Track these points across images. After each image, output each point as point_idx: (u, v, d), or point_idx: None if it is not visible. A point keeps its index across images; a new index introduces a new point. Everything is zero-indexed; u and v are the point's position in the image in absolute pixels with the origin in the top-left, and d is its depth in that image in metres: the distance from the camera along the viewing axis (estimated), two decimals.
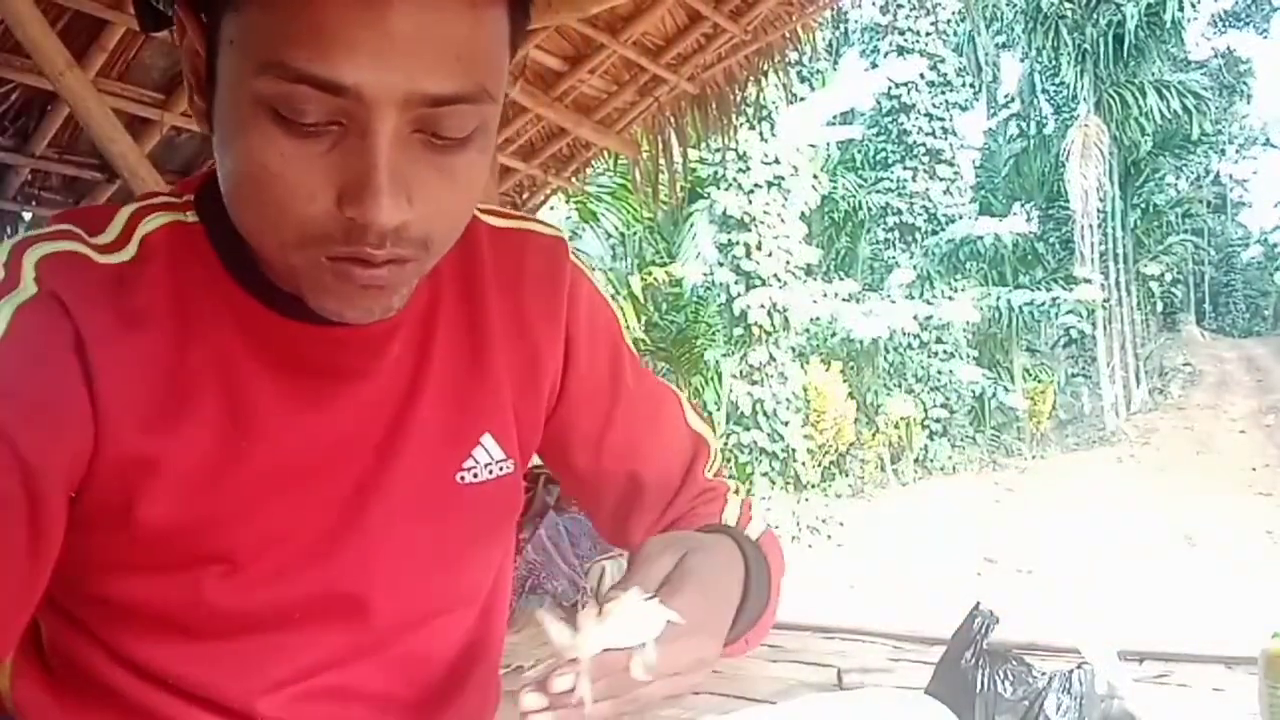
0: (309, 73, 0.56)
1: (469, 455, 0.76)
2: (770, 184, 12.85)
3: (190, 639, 0.70)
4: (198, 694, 0.70)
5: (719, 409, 12.39)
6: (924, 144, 19.42)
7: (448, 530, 0.76)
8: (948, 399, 17.60)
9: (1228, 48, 33.10)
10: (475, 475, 0.76)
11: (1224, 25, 36.14)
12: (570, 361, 0.81)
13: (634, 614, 0.56)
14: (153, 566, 0.68)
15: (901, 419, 16.11)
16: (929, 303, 17.25)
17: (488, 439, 0.77)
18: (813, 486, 13.58)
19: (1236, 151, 35.85)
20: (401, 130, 0.58)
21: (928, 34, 19.69)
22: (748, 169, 12.69)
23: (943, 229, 18.94)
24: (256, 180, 0.60)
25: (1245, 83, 32.75)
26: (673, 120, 3.78)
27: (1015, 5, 22.01)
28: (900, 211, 19.16)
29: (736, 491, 0.87)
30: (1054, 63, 21.68)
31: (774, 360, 12.97)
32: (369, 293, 0.63)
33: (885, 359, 16.78)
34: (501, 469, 0.78)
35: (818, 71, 16.44)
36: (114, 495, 0.66)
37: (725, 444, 12.61)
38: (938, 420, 17.38)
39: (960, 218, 19.23)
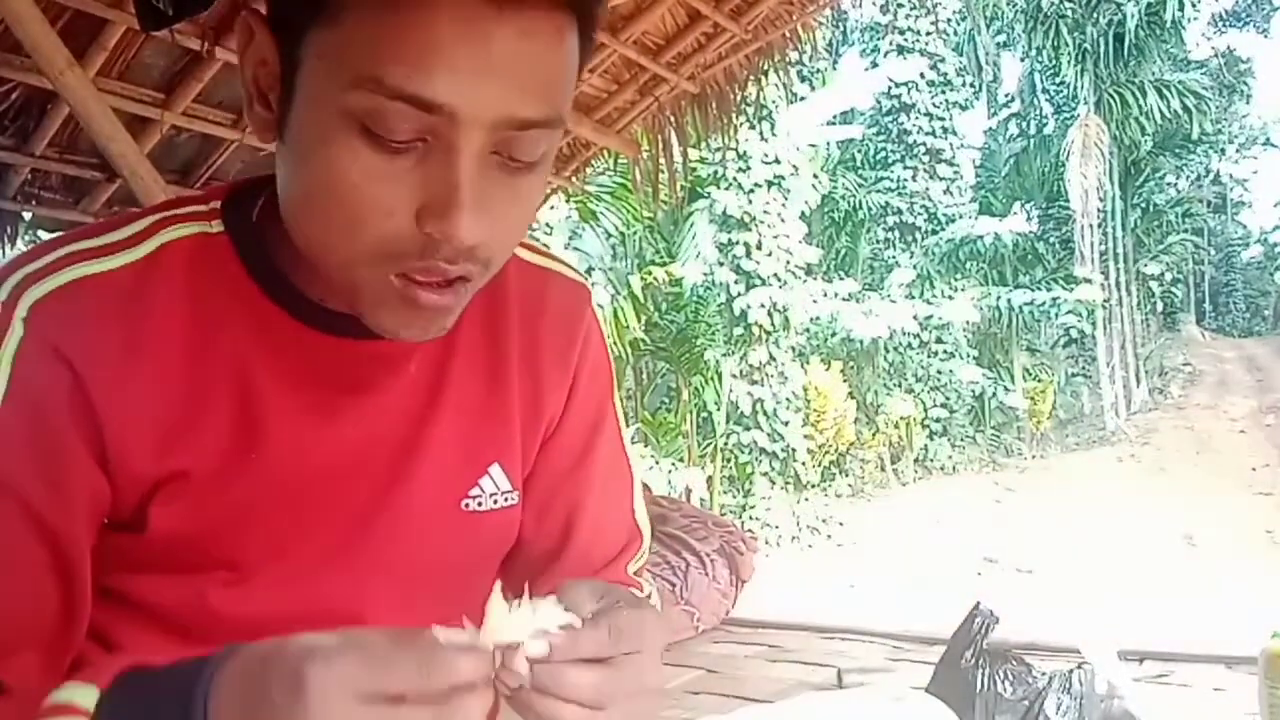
0: (407, 90, 0.57)
1: (476, 484, 0.76)
2: (770, 184, 12.85)
3: (192, 642, 0.69)
4: None
5: (719, 409, 12.39)
6: (924, 144, 19.43)
7: (448, 556, 0.76)
8: (948, 399, 17.61)
9: (1228, 48, 33.10)
10: (480, 504, 0.76)
11: (1224, 25, 36.14)
12: (566, 410, 0.82)
13: (539, 610, 0.56)
14: (160, 568, 0.69)
15: (901, 419, 16.11)
16: (929, 303, 17.25)
17: (496, 469, 0.77)
18: (813, 486, 13.58)
19: (1236, 151, 35.83)
20: (484, 151, 0.60)
21: (928, 33, 19.70)
22: (748, 169, 12.69)
23: (943, 229, 18.95)
24: (334, 193, 0.60)
25: (1245, 83, 32.74)
26: (673, 120, 3.78)
27: (1015, 5, 22.00)
28: (900, 211, 19.17)
29: (649, 597, 0.87)
30: (1054, 62, 21.68)
31: (774, 360, 12.97)
32: (428, 314, 0.64)
33: (885, 359, 16.79)
34: (507, 500, 0.78)
35: (818, 71, 16.43)
36: (130, 507, 0.67)
37: (725, 444, 12.61)
38: (938, 420, 17.39)
39: (960, 217, 19.23)
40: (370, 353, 0.71)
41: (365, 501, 0.72)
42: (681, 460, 11.57)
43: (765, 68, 3.73)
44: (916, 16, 19.77)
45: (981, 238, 18.07)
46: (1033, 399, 18.81)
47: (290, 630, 0.70)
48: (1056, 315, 19.12)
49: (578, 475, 0.83)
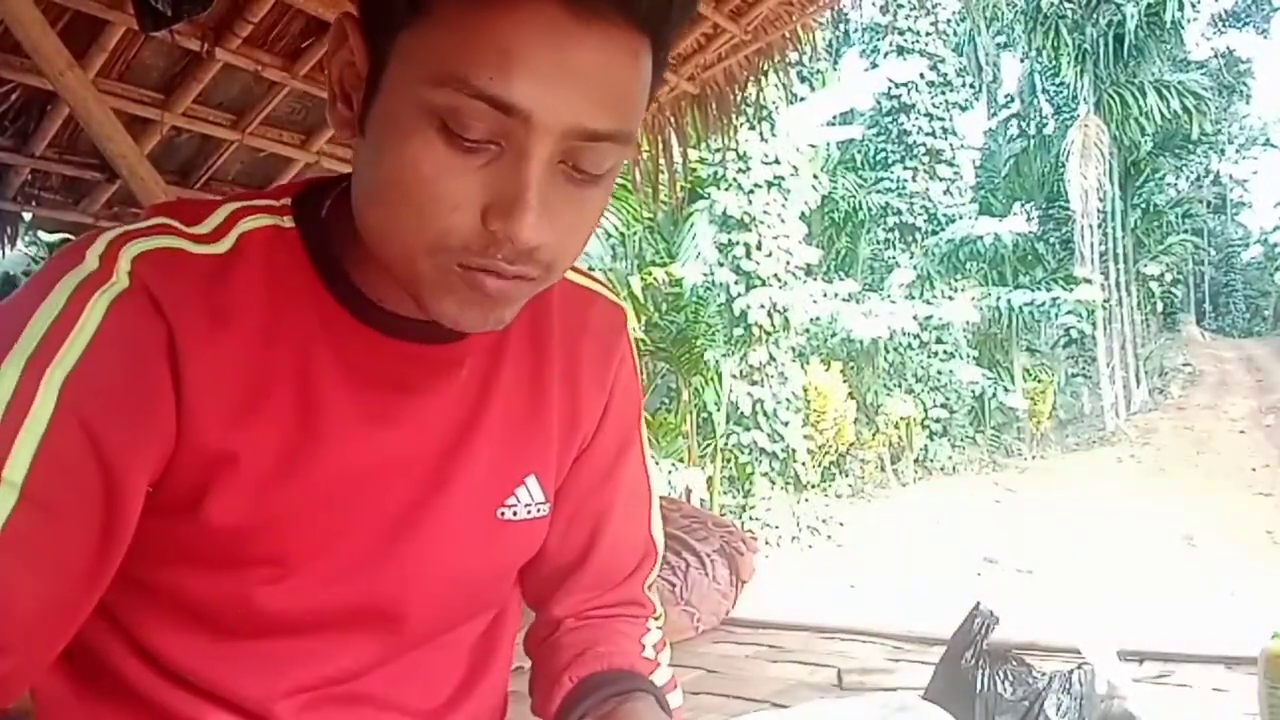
0: (488, 91, 0.59)
1: (513, 493, 0.78)
2: (770, 184, 12.85)
3: (221, 636, 0.71)
4: (215, 692, 0.71)
5: (719, 409, 12.39)
6: (924, 144, 19.44)
7: (481, 562, 0.78)
8: (948, 399, 17.61)
9: (1228, 48, 33.12)
10: (515, 514, 0.78)
11: (1224, 25, 36.15)
12: (599, 428, 0.84)
13: None
14: (206, 560, 0.69)
15: (901, 419, 16.11)
16: (929, 303, 17.25)
17: (532, 480, 0.79)
18: (813, 486, 13.58)
19: (1236, 151, 35.85)
20: (553, 158, 0.62)
21: (928, 34, 19.71)
22: (748, 169, 12.69)
23: (943, 229, 18.95)
24: (405, 184, 0.62)
25: (1245, 83, 32.76)
26: (673, 120, 3.78)
27: (1015, 5, 22.00)
28: (900, 211, 19.17)
29: (658, 617, 0.90)
30: (1054, 63, 21.68)
31: (774, 360, 12.97)
32: (490, 301, 0.65)
33: (885, 359, 16.79)
34: (540, 510, 0.80)
35: (818, 71, 16.44)
36: (189, 488, 0.67)
37: (725, 444, 12.60)
38: (938, 420, 17.39)
39: (960, 218, 19.24)
40: (424, 356, 0.73)
41: (407, 503, 0.74)
42: (681, 460, 11.56)
43: (765, 68, 3.73)
44: (916, 17, 19.78)
45: (981, 238, 18.07)
46: (1033, 399, 18.82)
47: (326, 625, 0.72)
48: (1056, 315, 19.12)
49: (603, 493, 0.86)
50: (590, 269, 0.90)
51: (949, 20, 20.62)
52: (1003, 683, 1.94)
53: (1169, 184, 26.16)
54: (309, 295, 0.71)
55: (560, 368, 0.81)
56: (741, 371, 12.89)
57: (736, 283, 12.82)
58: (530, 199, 0.61)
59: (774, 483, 12.99)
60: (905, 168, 19.52)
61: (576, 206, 0.65)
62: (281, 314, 0.69)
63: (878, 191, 19.00)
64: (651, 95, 0.67)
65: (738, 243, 12.82)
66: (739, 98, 3.80)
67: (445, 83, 0.60)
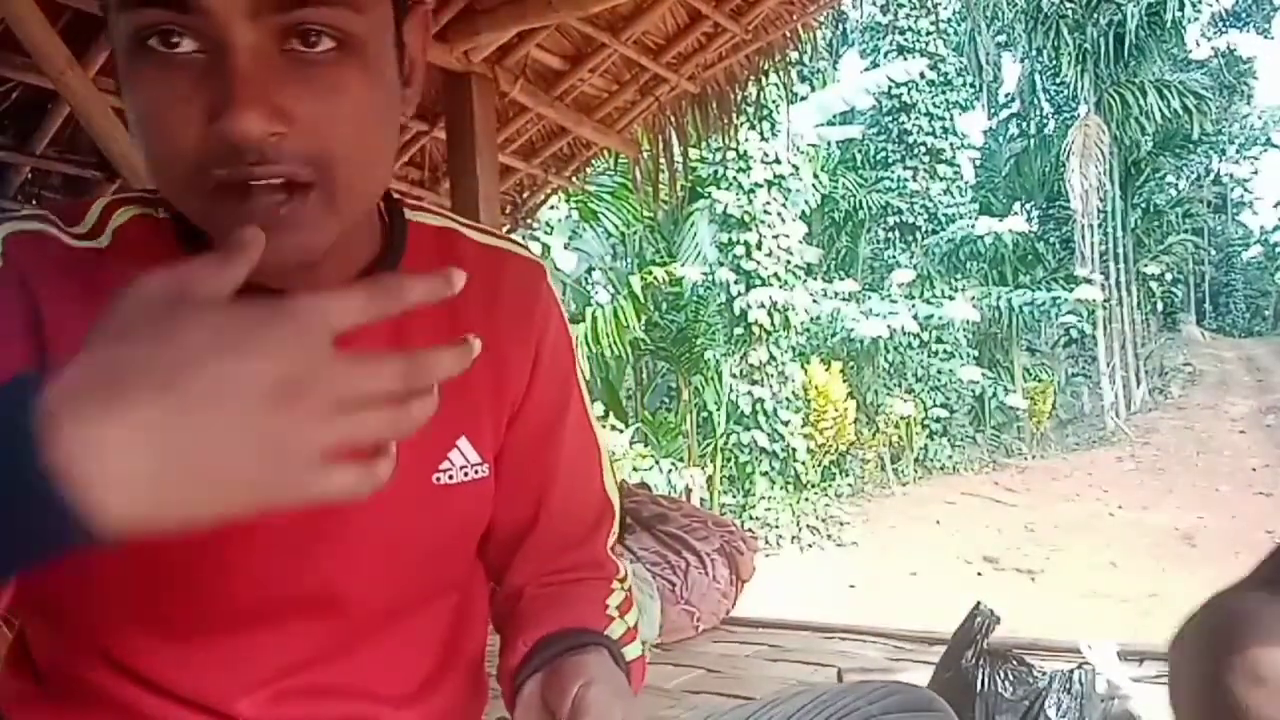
0: None
1: (445, 457, 0.76)
2: (770, 184, 12.84)
3: (173, 638, 0.70)
4: (179, 694, 0.70)
5: (719, 408, 12.39)
6: (924, 144, 19.41)
7: (424, 528, 0.76)
8: (948, 399, 17.60)
9: (1228, 48, 33.11)
10: (451, 477, 0.77)
11: (1224, 25, 36.12)
12: (529, 389, 0.82)
13: None
14: (131, 559, 0.66)
15: (901, 419, 16.10)
16: (929, 303, 17.24)
17: (464, 442, 0.77)
18: (813, 486, 13.56)
19: (1237, 151, 35.85)
20: (264, 45, 0.59)
21: (928, 34, 19.68)
22: (748, 169, 12.68)
23: (943, 229, 18.94)
24: (143, 123, 0.61)
25: (1245, 83, 32.75)
26: (673, 120, 3.78)
27: (1015, 5, 22.00)
28: (900, 211, 19.16)
29: (623, 579, 0.88)
30: (1054, 63, 21.69)
31: (774, 360, 12.96)
32: (274, 224, 0.60)
33: (885, 359, 16.77)
34: (477, 472, 0.78)
35: (818, 71, 16.46)
36: None
37: (725, 444, 12.60)
38: (938, 420, 17.38)
39: (960, 218, 19.22)
40: None
41: None
42: (681, 460, 11.56)
43: (765, 68, 3.73)
44: (916, 17, 19.76)
45: (981, 238, 18.06)
46: (1033, 399, 18.81)
47: (271, 615, 0.71)
48: (1056, 315, 19.10)
49: (546, 453, 0.83)
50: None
51: (949, 20, 20.63)
52: (1003, 683, 1.94)
53: (1169, 184, 26.15)
54: None
55: (478, 329, 0.76)
56: (741, 371, 12.89)
57: (736, 282, 12.82)
58: (236, 90, 0.58)
59: (774, 482, 12.99)
60: (905, 167, 19.50)
61: (320, 89, 0.61)
62: None
63: (878, 191, 18.98)
64: None
65: (738, 242, 12.82)
66: (739, 97, 3.80)
67: (125, 4, 0.59)
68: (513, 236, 0.86)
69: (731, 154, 12.40)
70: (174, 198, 0.64)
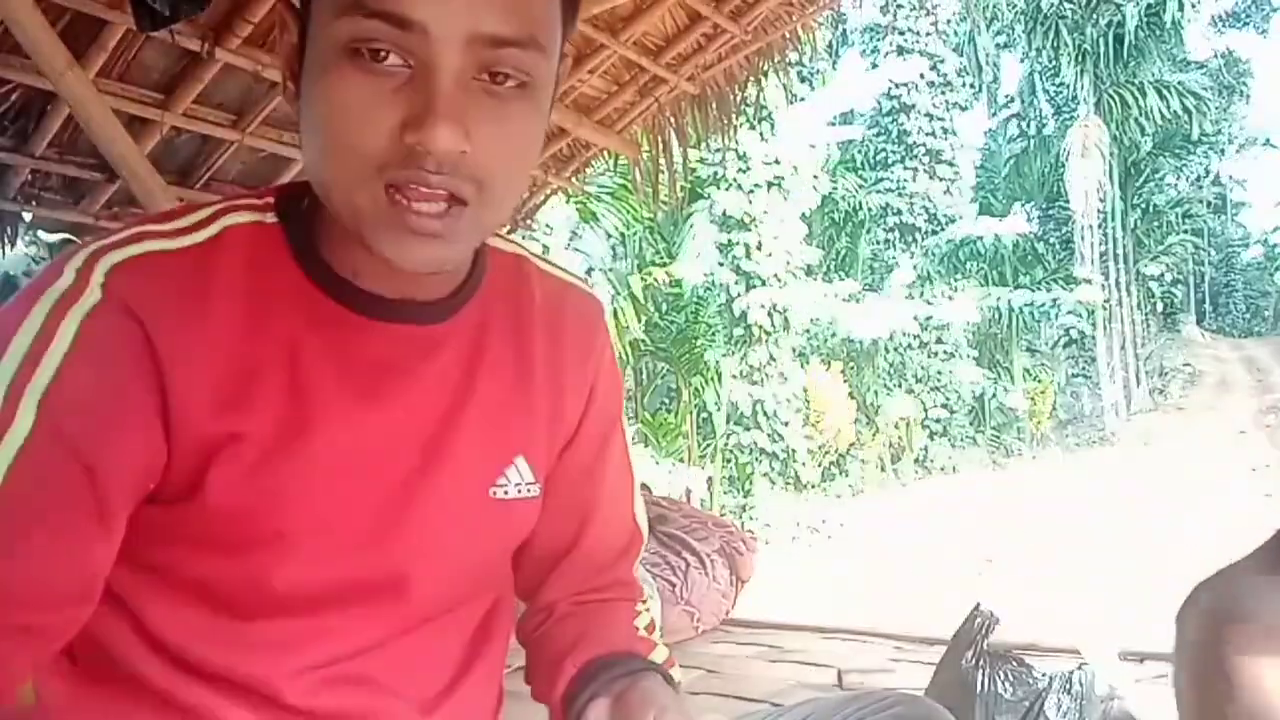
0: (382, 8, 0.63)
1: (502, 472, 0.80)
2: (770, 184, 12.85)
3: (231, 618, 0.72)
4: (223, 675, 0.72)
5: (719, 409, 12.39)
6: (924, 144, 19.43)
7: (477, 539, 0.80)
8: (948, 399, 17.61)
9: (1228, 48, 33.07)
10: (506, 493, 0.80)
11: (1224, 25, 36.11)
12: (583, 419, 0.86)
13: None
14: (210, 542, 0.71)
15: (901, 419, 16.11)
16: (929, 303, 17.25)
17: (521, 460, 0.81)
18: (813, 486, 13.57)
19: (1236, 151, 35.80)
20: (464, 71, 0.65)
21: (928, 34, 19.70)
22: (748, 169, 12.69)
23: (943, 229, 18.96)
24: (329, 120, 0.66)
25: (1245, 83, 32.72)
26: (673, 120, 3.78)
27: (1015, 5, 22.01)
28: (900, 211, 19.17)
29: (645, 602, 0.93)
30: (1054, 63, 21.70)
31: (774, 360, 12.97)
32: (424, 238, 0.66)
33: (885, 359, 16.79)
34: (530, 490, 0.82)
35: (818, 71, 16.46)
36: (188, 473, 0.69)
37: (725, 444, 12.60)
38: (938, 420, 17.39)
39: (960, 218, 19.24)
40: (408, 337, 0.75)
41: (402, 479, 0.75)
42: (681, 460, 11.56)
43: (765, 68, 3.73)
44: (916, 17, 19.77)
45: (981, 238, 18.08)
46: (1033, 399, 18.82)
47: (333, 601, 0.74)
48: (1056, 316, 19.13)
49: (590, 484, 0.88)
50: (590, 269, 0.91)
51: (949, 20, 20.61)
52: (1003, 683, 1.94)
53: (1169, 184, 26.14)
54: (291, 284, 0.73)
55: (543, 356, 0.83)
56: (741, 371, 12.89)
57: (736, 283, 12.83)
58: (439, 106, 0.63)
59: (774, 483, 12.99)
60: (905, 168, 19.52)
61: (499, 120, 0.66)
62: (265, 302, 0.71)
63: (878, 191, 19.00)
64: (567, 3, 0.70)
65: (738, 243, 12.83)
66: (739, 98, 3.80)
67: (345, 11, 0.63)
68: (574, 270, 0.93)
69: (731, 155, 12.41)
70: (340, 192, 0.67)
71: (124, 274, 0.67)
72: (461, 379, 0.78)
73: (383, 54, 0.64)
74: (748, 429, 12.91)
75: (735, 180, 12.76)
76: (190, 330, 0.68)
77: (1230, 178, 37.52)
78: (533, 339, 0.82)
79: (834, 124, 15.15)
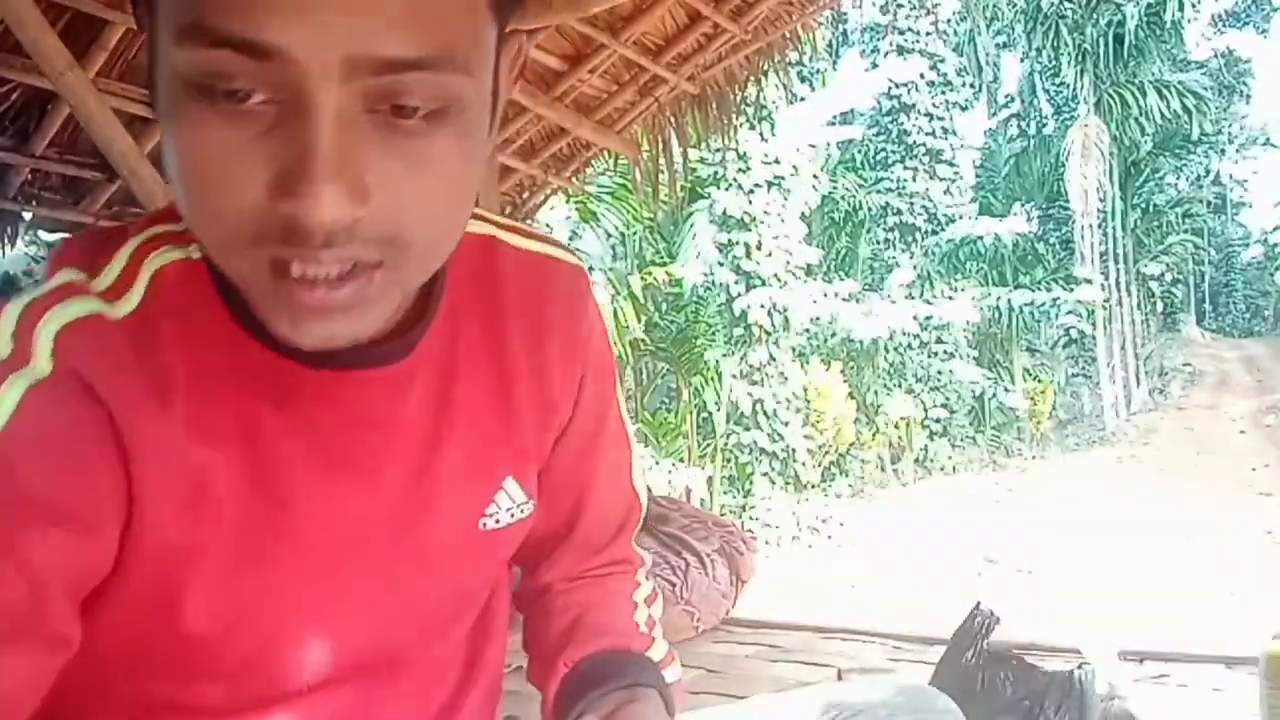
0: (229, 33, 0.47)
1: (492, 501, 0.72)
2: (770, 184, 12.85)
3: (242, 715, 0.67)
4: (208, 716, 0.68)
5: (719, 409, 12.38)
6: (924, 144, 19.43)
7: (466, 575, 0.75)
8: (948, 399, 17.60)
9: (1228, 48, 33.09)
10: (497, 521, 0.73)
11: (1224, 25, 36.14)
12: (576, 409, 0.78)
13: None
14: (202, 670, 0.64)
15: (901, 419, 16.11)
16: (929, 303, 17.25)
17: (510, 483, 0.73)
18: (813, 486, 13.57)
19: (1236, 151, 35.80)
20: (349, 107, 0.49)
21: (928, 34, 19.70)
22: (748, 169, 12.69)
23: (943, 229, 18.95)
24: (188, 172, 0.51)
25: (1245, 83, 32.74)
26: (673, 120, 3.78)
27: (1015, 5, 22.01)
28: (900, 211, 19.17)
29: (644, 566, 0.89)
30: (1054, 63, 21.70)
31: (774, 360, 12.97)
32: (325, 315, 0.53)
33: (885, 359, 16.78)
34: (522, 511, 0.75)
35: (818, 71, 16.45)
36: (155, 587, 0.60)
37: (725, 444, 12.60)
38: (938, 420, 17.39)
39: (960, 218, 19.24)
40: (367, 382, 0.64)
41: (389, 542, 0.68)
42: (681, 460, 11.56)
43: (765, 68, 3.73)
44: (916, 17, 19.77)
45: (981, 238, 18.08)
46: (1033, 399, 18.82)
47: (328, 682, 0.69)
48: (1056, 315, 19.12)
49: (586, 465, 0.81)
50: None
51: (949, 20, 20.60)
52: (1003, 683, 1.94)
53: (1169, 184, 26.15)
54: (228, 342, 0.61)
55: (525, 352, 0.72)
56: (741, 371, 12.89)
57: (736, 283, 12.83)
58: (317, 168, 0.48)
59: (774, 483, 12.99)
60: (905, 168, 19.52)
61: (409, 162, 0.51)
62: (208, 374, 0.60)
63: (878, 191, 18.99)
64: (500, 9, 0.55)
65: (738, 243, 12.82)
66: (739, 98, 3.81)
67: (186, 35, 0.48)
68: (551, 237, 0.80)
69: (731, 154, 12.40)
70: (219, 257, 0.54)
71: (73, 342, 0.56)
72: (436, 414, 0.68)
73: (240, 92, 0.48)
74: (748, 429, 12.91)
75: (735, 180, 12.75)
76: (150, 420, 0.57)
77: (1230, 177, 37.52)
78: (510, 337, 0.72)
79: (834, 124, 15.14)
